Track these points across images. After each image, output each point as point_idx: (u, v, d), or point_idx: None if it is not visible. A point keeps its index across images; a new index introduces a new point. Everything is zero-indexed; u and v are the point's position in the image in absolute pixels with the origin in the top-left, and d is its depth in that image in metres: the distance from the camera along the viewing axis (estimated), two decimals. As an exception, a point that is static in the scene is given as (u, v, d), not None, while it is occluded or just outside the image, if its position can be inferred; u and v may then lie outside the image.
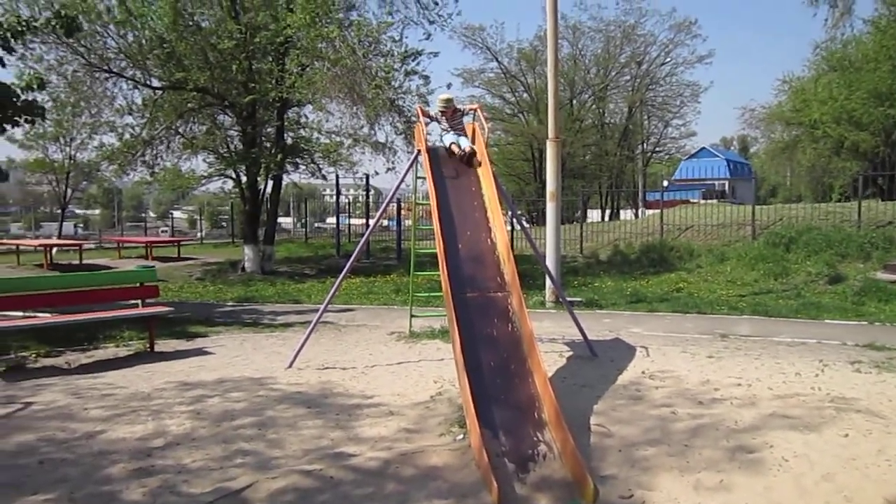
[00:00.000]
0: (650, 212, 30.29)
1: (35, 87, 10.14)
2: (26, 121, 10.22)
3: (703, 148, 64.23)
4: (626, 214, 41.06)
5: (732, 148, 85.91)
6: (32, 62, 15.74)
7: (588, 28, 40.12)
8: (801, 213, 18.93)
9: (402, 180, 8.70)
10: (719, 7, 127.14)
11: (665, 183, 48.19)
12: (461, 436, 5.05)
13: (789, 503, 4.01)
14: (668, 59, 41.79)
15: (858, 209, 17.25)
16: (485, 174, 7.27)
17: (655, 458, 4.66)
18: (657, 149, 49.71)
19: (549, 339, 8.99)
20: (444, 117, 7.82)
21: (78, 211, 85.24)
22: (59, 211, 36.01)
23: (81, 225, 78.57)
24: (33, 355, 8.36)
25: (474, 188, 7.25)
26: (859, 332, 9.30)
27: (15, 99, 9.65)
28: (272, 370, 7.48)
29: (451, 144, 7.60)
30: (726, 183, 59.98)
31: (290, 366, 7.58)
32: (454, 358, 5.60)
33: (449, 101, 7.98)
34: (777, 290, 13.29)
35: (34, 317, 8.97)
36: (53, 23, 10.60)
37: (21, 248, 21.96)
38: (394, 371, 7.42)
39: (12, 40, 9.49)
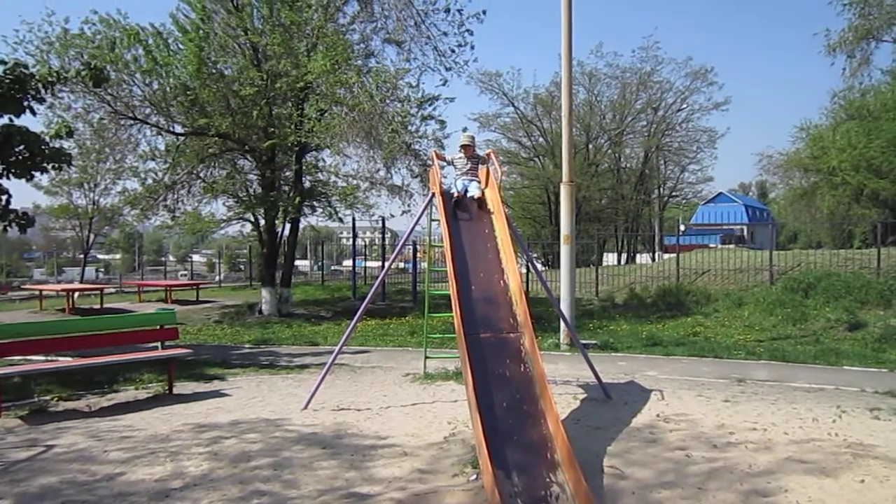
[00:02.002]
0: (667, 256, 30.24)
1: (63, 135, 10.38)
2: (53, 167, 10.39)
3: (721, 193, 64.24)
4: (643, 258, 40.94)
5: (751, 193, 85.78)
6: (61, 110, 16.22)
7: (604, 75, 40.57)
8: (820, 259, 18.86)
9: (416, 222, 8.80)
10: (736, 55, 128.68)
11: (682, 227, 48.19)
12: (474, 476, 5.08)
13: (804, 547, 3.98)
14: (685, 106, 42.09)
15: (878, 256, 17.20)
16: (498, 217, 7.38)
17: (669, 501, 4.66)
18: (674, 193, 49.75)
19: (563, 381, 8.99)
20: (461, 157, 7.91)
21: (100, 256, 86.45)
22: (82, 256, 36.50)
23: (103, 269, 79.66)
24: (55, 398, 8.46)
25: (488, 230, 7.35)
26: (879, 379, 9.19)
27: (43, 146, 9.86)
28: (288, 411, 7.54)
29: (454, 193, 7.70)
30: (745, 228, 59.79)
31: (306, 407, 7.64)
32: (467, 398, 5.64)
33: (472, 138, 8.14)
34: (795, 335, 13.18)
35: (56, 360, 9.08)
36: (83, 73, 10.94)
37: (44, 292, 22.27)
38: (408, 412, 7.45)
39: (43, 90, 9.75)
